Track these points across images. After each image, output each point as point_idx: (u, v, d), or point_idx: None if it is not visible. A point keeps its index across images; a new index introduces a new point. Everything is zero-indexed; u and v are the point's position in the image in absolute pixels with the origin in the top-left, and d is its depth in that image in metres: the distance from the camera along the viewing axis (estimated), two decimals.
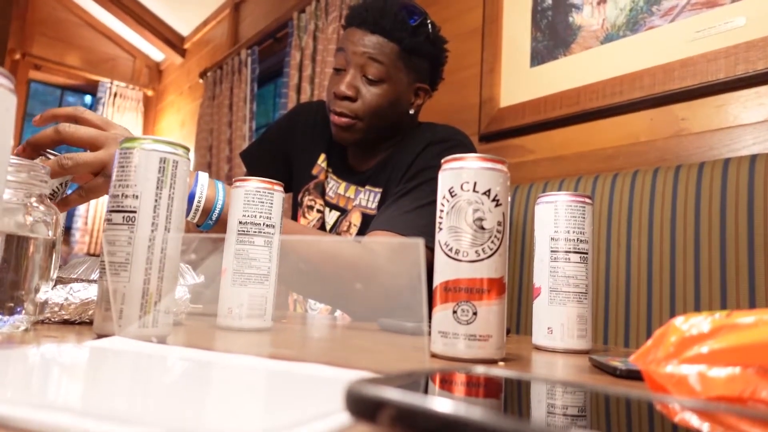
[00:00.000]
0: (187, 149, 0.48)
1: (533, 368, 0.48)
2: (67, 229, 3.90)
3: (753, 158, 0.92)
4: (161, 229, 0.45)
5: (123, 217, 0.44)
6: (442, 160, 0.49)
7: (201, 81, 3.40)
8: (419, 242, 0.30)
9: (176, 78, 4.14)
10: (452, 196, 0.46)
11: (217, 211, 0.71)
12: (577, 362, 0.52)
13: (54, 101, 4.33)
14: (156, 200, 0.45)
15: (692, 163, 1.00)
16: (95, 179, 0.68)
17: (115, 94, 4.15)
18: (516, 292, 1.19)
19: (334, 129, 1.02)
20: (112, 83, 4.14)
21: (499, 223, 0.46)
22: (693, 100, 1.17)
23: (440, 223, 0.47)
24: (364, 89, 0.99)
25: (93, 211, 3.96)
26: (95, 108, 4.13)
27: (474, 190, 0.46)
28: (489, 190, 0.46)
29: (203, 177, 0.73)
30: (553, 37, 1.46)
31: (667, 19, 1.22)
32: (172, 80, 4.21)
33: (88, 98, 4.49)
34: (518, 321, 1.18)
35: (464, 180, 0.46)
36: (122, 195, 0.45)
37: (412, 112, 1.06)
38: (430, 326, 0.47)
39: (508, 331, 0.62)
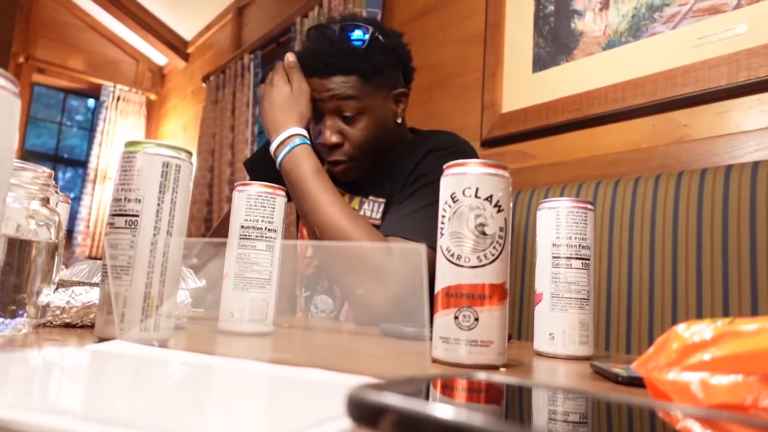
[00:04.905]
0: (190, 153, 0.48)
1: (535, 374, 0.48)
2: (69, 233, 3.91)
3: (755, 165, 0.92)
4: (163, 232, 0.45)
5: (125, 221, 0.45)
6: (444, 166, 0.49)
7: (204, 85, 3.41)
8: (421, 248, 0.30)
9: (179, 82, 4.16)
10: (454, 202, 0.46)
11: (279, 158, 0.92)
12: (578, 368, 0.52)
13: (57, 104, 4.34)
14: (158, 204, 0.45)
15: (694, 169, 1.00)
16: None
17: (118, 98, 4.16)
18: (517, 297, 1.19)
19: (336, 177, 1.01)
20: (115, 87, 4.15)
21: (501, 229, 0.46)
22: (695, 106, 1.17)
23: (442, 228, 0.47)
24: (347, 130, 0.98)
25: (95, 215, 3.97)
26: (98, 111, 4.14)
27: (476, 196, 0.46)
28: (491, 196, 0.46)
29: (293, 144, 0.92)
30: (555, 43, 1.46)
31: (669, 25, 1.22)
32: (175, 84, 4.23)
33: (91, 102, 4.50)
34: (519, 326, 1.17)
35: (466, 185, 0.46)
36: (125, 199, 0.45)
37: (399, 121, 1.05)
38: (431, 331, 0.47)
39: (510, 337, 0.62)
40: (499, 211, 0.46)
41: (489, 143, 1.59)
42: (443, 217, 0.47)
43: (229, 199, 2.97)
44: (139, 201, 0.45)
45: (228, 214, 1.21)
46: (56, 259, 0.52)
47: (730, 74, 1.10)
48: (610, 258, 1.05)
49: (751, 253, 0.88)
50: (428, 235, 0.87)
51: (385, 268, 0.83)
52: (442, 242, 0.47)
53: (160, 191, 0.45)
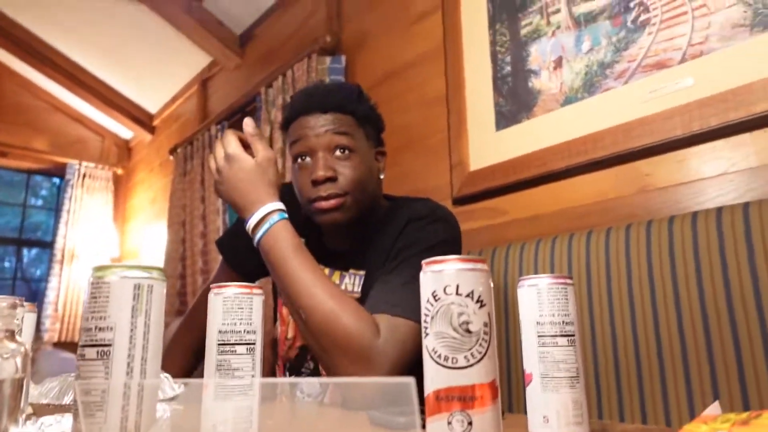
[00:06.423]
0: (162, 270, 0.47)
1: None
2: (37, 318, 3.76)
3: (719, 211, 0.95)
4: (138, 359, 0.43)
5: (97, 352, 0.43)
6: (423, 262, 0.48)
7: (171, 157, 3.40)
8: (410, 381, 0.29)
9: (146, 155, 4.14)
10: (436, 300, 0.46)
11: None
12: None
13: (20, 183, 4.27)
14: (131, 330, 0.43)
15: (662, 217, 1.03)
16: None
17: (84, 175, 4.11)
18: (504, 367, 1.17)
19: (322, 215, 0.99)
20: (80, 164, 4.10)
21: (485, 324, 0.46)
22: (654, 156, 1.21)
23: (426, 327, 0.46)
24: (339, 166, 0.98)
25: (63, 297, 3.83)
26: (64, 191, 4.07)
27: (457, 293, 0.45)
28: (472, 292, 0.46)
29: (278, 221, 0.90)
30: (515, 101, 1.51)
31: (620, 81, 1.28)
32: (142, 157, 4.21)
33: (56, 180, 4.44)
34: (510, 401, 1.15)
35: (446, 283, 0.46)
36: (96, 328, 0.43)
37: (381, 177, 1.08)
38: (423, 419, 0.46)
39: (503, 414, 0.61)
40: (481, 306, 0.46)
41: (460, 201, 1.61)
42: (426, 315, 0.46)
43: (203, 272, 2.92)
44: (111, 329, 0.43)
45: (201, 295, 1.18)
46: (23, 390, 0.49)
47: (683, 124, 1.14)
48: (591, 313, 1.05)
49: (726, 300, 0.90)
50: (414, 312, 0.86)
51: (372, 354, 0.81)
52: (428, 342, 0.46)
53: (132, 316, 0.44)
